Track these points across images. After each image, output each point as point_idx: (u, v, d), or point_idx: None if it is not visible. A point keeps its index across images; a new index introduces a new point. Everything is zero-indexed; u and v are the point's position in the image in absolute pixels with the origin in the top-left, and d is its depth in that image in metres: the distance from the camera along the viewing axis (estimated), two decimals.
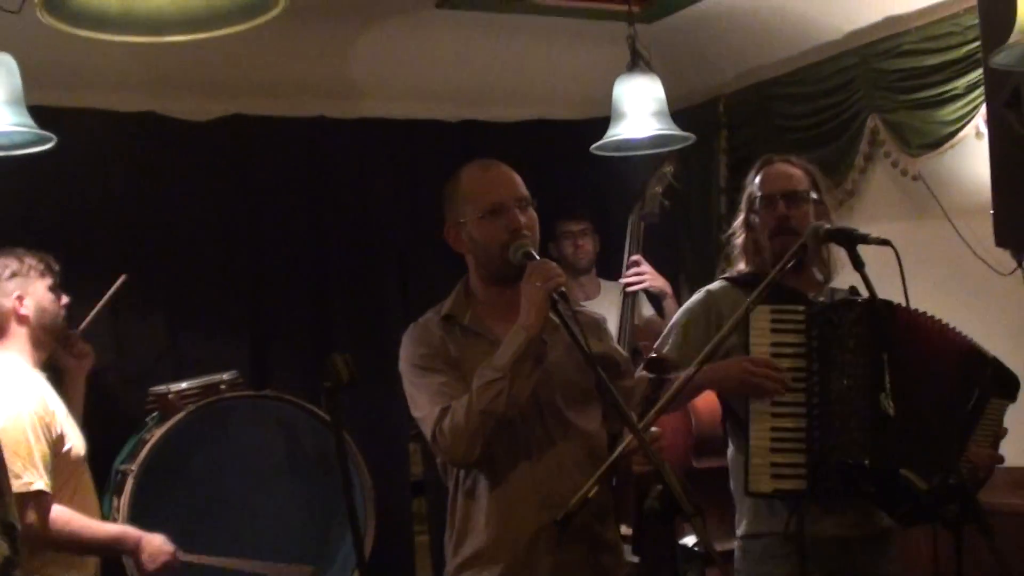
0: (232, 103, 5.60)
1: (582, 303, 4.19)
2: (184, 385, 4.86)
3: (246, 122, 5.63)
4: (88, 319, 4.75)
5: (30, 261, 4.03)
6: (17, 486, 3.63)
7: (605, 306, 5.43)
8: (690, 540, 4.30)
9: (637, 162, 5.36)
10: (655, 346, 3.97)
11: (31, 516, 3.64)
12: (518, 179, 3.35)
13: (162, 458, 4.58)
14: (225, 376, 4.91)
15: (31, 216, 4.98)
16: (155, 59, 5.05)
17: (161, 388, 4.89)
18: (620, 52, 4.97)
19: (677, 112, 5.00)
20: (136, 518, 4.37)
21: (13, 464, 3.59)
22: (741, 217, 3.94)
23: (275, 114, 5.69)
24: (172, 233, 5.45)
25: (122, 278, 4.84)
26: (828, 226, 3.68)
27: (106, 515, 4.44)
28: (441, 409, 3.17)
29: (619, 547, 3.38)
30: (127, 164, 5.39)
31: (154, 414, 4.89)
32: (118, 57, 4.95)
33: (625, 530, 3.70)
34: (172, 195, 5.47)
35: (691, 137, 4.97)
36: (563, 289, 3.10)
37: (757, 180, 3.90)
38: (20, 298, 3.95)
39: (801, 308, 3.61)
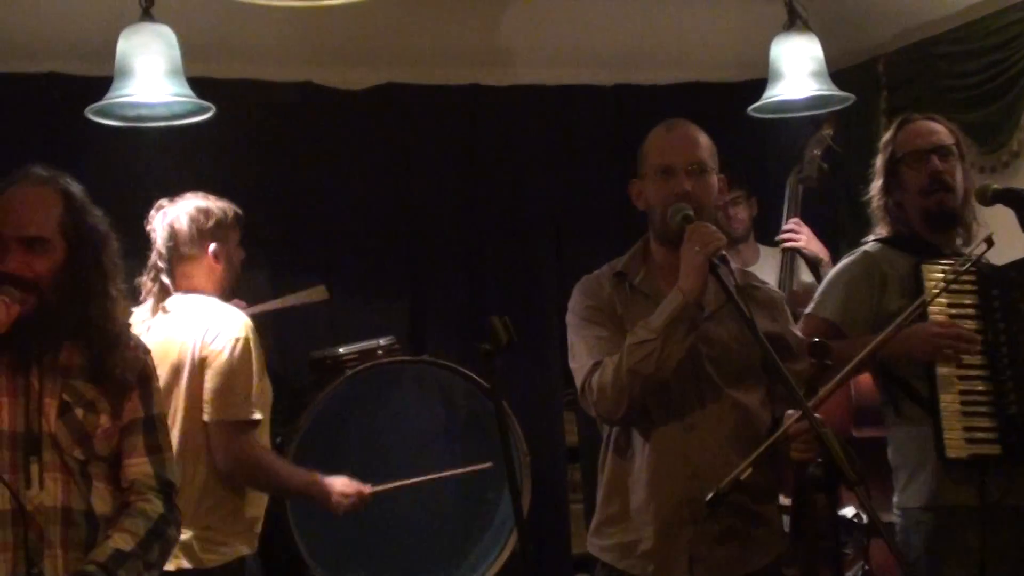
0: (387, 72, 5.63)
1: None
2: (342, 350, 4.92)
3: (401, 91, 5.66)
4: (262, 308, 4.83)
5: (223, 207, 4.04)
6: (242, 413, 3.74)
7: (765, 272, 5.31)
8: (849, 511, 4.20)
9: (795, 124, 5.27)
10: (812, 307, 3.87)
11: (248, 443, 3.74)
12: (701, 143, 3.35)
13: (322, 422, 4.64)
14: (382, 341, 4.95)
15: (189, 185, 5.05)
16: (311, 29, 5.11)
17: (320, 353, 4.96)
18: (776, 12, 4.91)
19: (835, 73, 4.90)
20: None
21: (238, 392, 3.73)
22: (879, 181, 3.82)
23: (429, 82, 5.71)
24: (329, 201, 5.51)
25: (322, 297, 4.97)
26: (996, 186, 3.58)
27: None
28: (594, 363, 3.19)
29: (774, 521, 3.33)
30: (284, 133, 5.47)
31: (313, 379, 4.95)
32: (275, 28, 5.03)
33: (784, 500, 3.64)
34: (329, 164, 5.53)
35: (851, 97, 4.88)
36: (723, 253, 3.06)
37: (899, 138, 3.80)
38: (216, 253, 3.95)
39: (971, 267, 3.51)
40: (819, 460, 2.98)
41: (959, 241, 3.74)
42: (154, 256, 3.94)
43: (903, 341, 3.51)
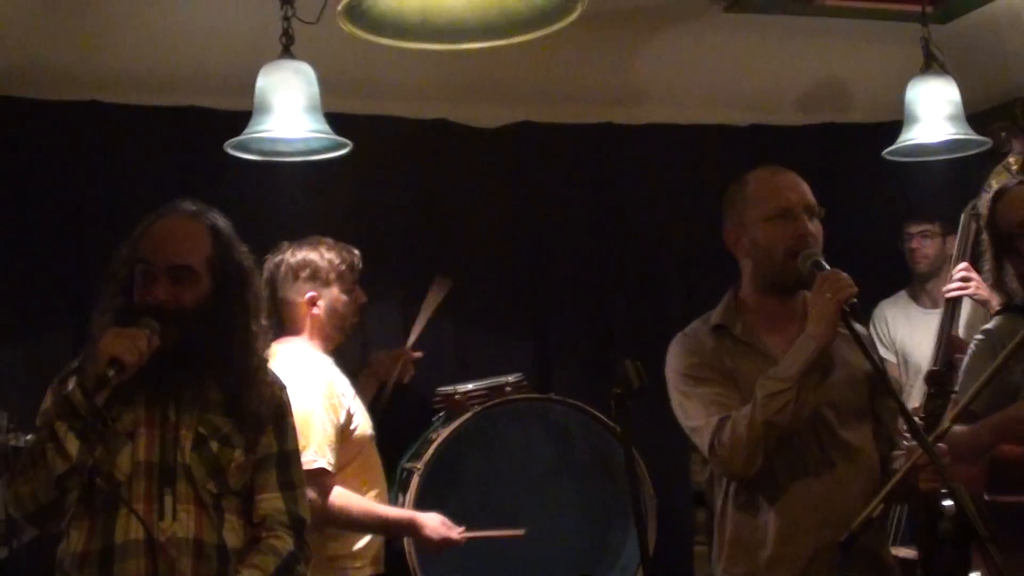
0: (521, 110, 5.66)
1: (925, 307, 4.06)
2: (471, 386, 4.93)
3: (534, 129, 5.68)
4: (415, 335, 5.00)
5: (331, 257, 4.17)
6: (317, 461, 3.78)
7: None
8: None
9: (934, 168, 5.15)
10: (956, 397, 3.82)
11: (311, 493, 3.74)
12: (807, 187, 3.30)
13: (447, 457, 4.66)
14: (511, 378, 4.96)
15: (326, 220, 5.13)
16: (447, 67, 5.15)
17: (448, 388, 4.99)
18: (912, 53, 4.85)
19: (970, 116, 4.82)
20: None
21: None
22: (991, 256, 3.79)
23: (562, 121, 5.72)
24: (460, 238, 5.54)
25: (448, 287, 5.05)
26: None
27: None
28: (720, 419, 3.14)
29: (896, 568, 3.27)
30: (419, 170, 5.51)
31: (441, 414, 4.98)
32: (411, 65, 5.07)
33: (906, 552, 3.57)
34: (462, 201, 5.56)
35: (988, 142, 4.80)
36: (855, 301, 3.02)
37: (1001, 211, 3.76)
38: (313, 300, 4.11)
39: None
40: (949, 514, 2.93)
41: None
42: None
43: (1013, 422, 3.46)
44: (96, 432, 2.80)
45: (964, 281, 4.99)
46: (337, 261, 4.20)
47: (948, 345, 4.77)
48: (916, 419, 3.05)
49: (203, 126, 4.99)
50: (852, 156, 5.84)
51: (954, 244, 5.32)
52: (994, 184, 4.98)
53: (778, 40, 5.64)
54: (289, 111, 4.11)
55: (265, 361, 3.15)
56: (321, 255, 4.19)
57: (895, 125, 4.87)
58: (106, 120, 5.02)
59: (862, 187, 5.76)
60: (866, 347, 3.00)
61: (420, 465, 4.57)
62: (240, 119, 4.23)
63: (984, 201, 4.91)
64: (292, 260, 4.17)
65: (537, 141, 5.69)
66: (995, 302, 4.90)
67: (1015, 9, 5.37)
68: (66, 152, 5.00)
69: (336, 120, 4.28)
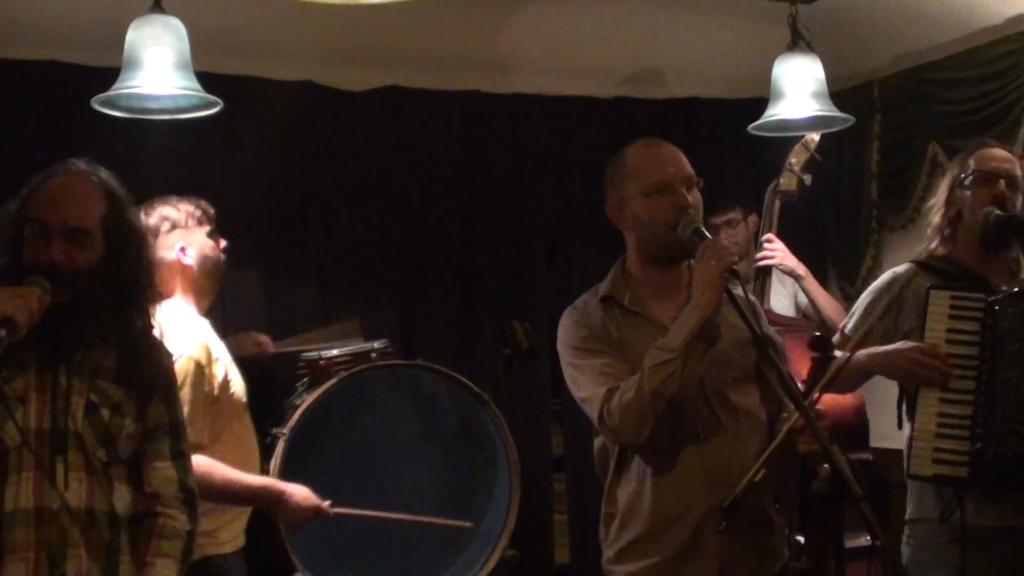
0: (389, 74, 5.62)
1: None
2: (335, 352, 4.90)
3: (402, 94, 5.65)
4: (290, 348, 4.97)
5: (187, 208, 4.12)
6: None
7: (778, 284, 5.37)
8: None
9: (794, 143, 5.27)
10: (841, 324, 4.02)
11: None
12: (684, 158, 3.34)
13: (312, 423, 4.62)
14: (376, 344, 4.94)
15: (194, 180, 5.04)
16: (315, 28, 5.11)
17: (312, 354, 4.93)
18: (777, 31, 4.93)
19: (831, 95, 4.93)
20: (284, 480, 4.43)
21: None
22: (943, 195, 3.90)
23: (430, 87, 5.70)
24: (326, 201, 5.51)
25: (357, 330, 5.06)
26: (999, 212, 3.65)
27: None
28: (608, 390, 3.16)
29: (782, 528, 3.36)
30: (287, 132, 5.45)
31: (304, 379, 4.94)
32: (280, 26, 5.03)
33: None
34: (328, 164, 5.52)
35: (850, 119, 4.92)
36: (736, 268, 3.07)
37: (972, 160, 3.86)
38: (183, 249, 4.04)
39: (981, 296, 3.59)
40: (827, 469, 3.00)
41: (1013, 268, 3.84)
42: None
43: (888, 359, 3.64)
44: None
45: (768, 251, 5.18)
46: (192, 207, 4.13)
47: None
48: (798, 383, 3.11)
49: (69, 81, 4.87)
50: (715, 131, 5.93)
51: (753, 224, 5.51)
52: (794, 162, 5.17)
53: (647, 13, 5.69)
54: (159, 67, 4.01)
55: (152, 327, 3.10)
56: (175, 207, 4.11)
57: (760, 101, 4.94)
58: None
59: (725, 162, 5.84)
60: (745, 314, 3.04)
61: (285, 431, 4.53)
62: (109, 75, 4.12)
63: (787, 177, 5.14)
64: (150, 221, 4.05)
65: (405, 106, 5.66)
66: (802, 271, 5.10)
67: None
68: None
69: (205, 79, 4.20)
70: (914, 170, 5.69)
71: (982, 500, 3.57)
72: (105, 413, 2.92)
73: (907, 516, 3.83)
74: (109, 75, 4.13)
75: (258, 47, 5.22)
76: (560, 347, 3.37)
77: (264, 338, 4.99)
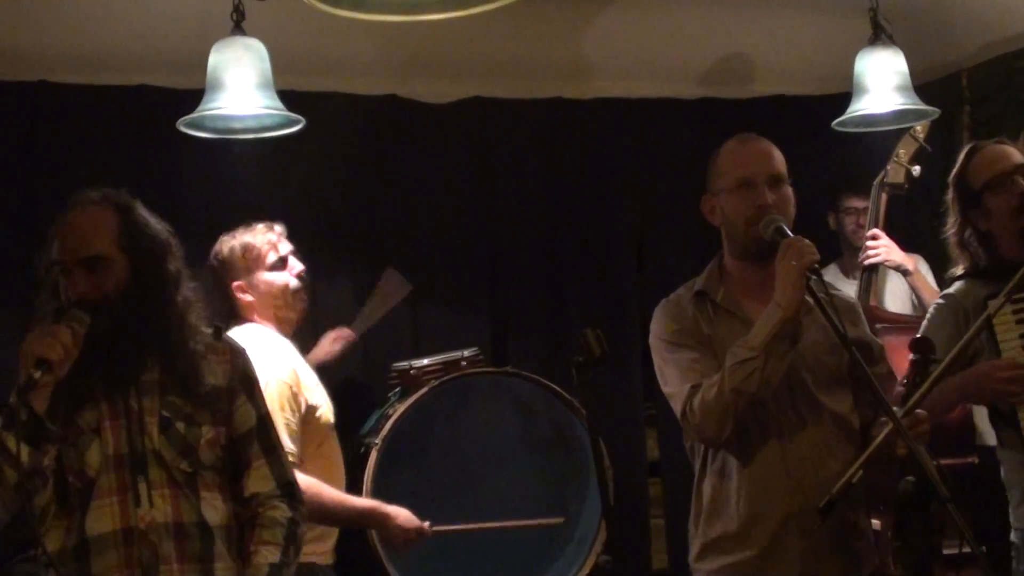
0: (471, 86, 5.67)
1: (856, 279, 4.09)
2: (426, 361, 4.93)
3: (485, 104, 5.69)
4: (364, 326, 5.00)
5: (245, 242, 4.09)
6: None
7: (893, 280, 5.32)
8: None
9: (882, 138, 5.20)
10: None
11: None
12: (776, 156, 3.32)
13: (404, 432, 4.66)
14: (466, 352, 4.96)
15: (279, 197, 5.13)
16: (397, 43, 5.16)
17: (404, 364, 4.97)
18: (860, 25, 4.87)
19: (918, 87, 4.86)
20: (379, 490, 4.47)
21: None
22: (955, 215, 3.81)
23: (513, 96, 5.73)
24: (413, 213, 5.56)
25: (408, 289, 5.10)
26: None
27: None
28: (692, 386, 3.16)
29: (870, 534, 3.31)
30: (370, 146, 5.52)
31: (397, 389, 4.98)
32: (361, 41, 5.07)
33: (873, 523, 3.60)
34: (413, 176, 5.57)
35: (936, 112, 4.85)
36: (817, 267, 3.04)
37: (973, 167, 3.76)
38: (241, 287, 4.04)
39: None
40: (910, 478, 2.97)
41: None
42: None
43: (976, 382, 3.52)
44: (43, 435, 2.78)
45: (874, 248, 5.08)
46: (264, 239, 4.11)
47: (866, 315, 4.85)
48: (899, 385, 3.08)
49: (155, 105, 4.98)
50: (801, 128, 5.88)
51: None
52: (902, 153, 5.07)
53: (726, 12, 5.65)
54: (241, 88, 4.09)
55: (206, 331, 3.11)
56: (244, 244, 4.09)
57: (844, 96, 4.89)
58: (56, 101, 5.00)
59: (811, 159, 5.78)
60: (829, 314, 3.00)
61: (378, 440, 4.58)
62: (193, 97, 4.20)
63: (894, 169, 5.02)
64: (224, 248, 4.08)
65: (488, 116, 5.71)
66: (911, 266, 4.99)
67: None
68: (17, 134, 4.98)
69: (288, 97, 4.27)
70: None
71: None
72: (180, 426, 2.95)
73: (1019, 523, 3.68)
74: (196, 97, 4.20)
75: (339, 63, 5.28)
76: (652, 339, 3.39)
77: (340, 331, 5.05)
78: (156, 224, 3.09)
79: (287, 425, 3.78)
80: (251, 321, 4.07)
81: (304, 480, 3.78)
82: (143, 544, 2.86)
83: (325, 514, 3.93)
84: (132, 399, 2.95)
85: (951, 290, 3.81)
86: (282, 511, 3.06)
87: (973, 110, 5.82)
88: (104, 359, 2.90)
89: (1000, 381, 3.47)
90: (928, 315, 3.85)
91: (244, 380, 3.13)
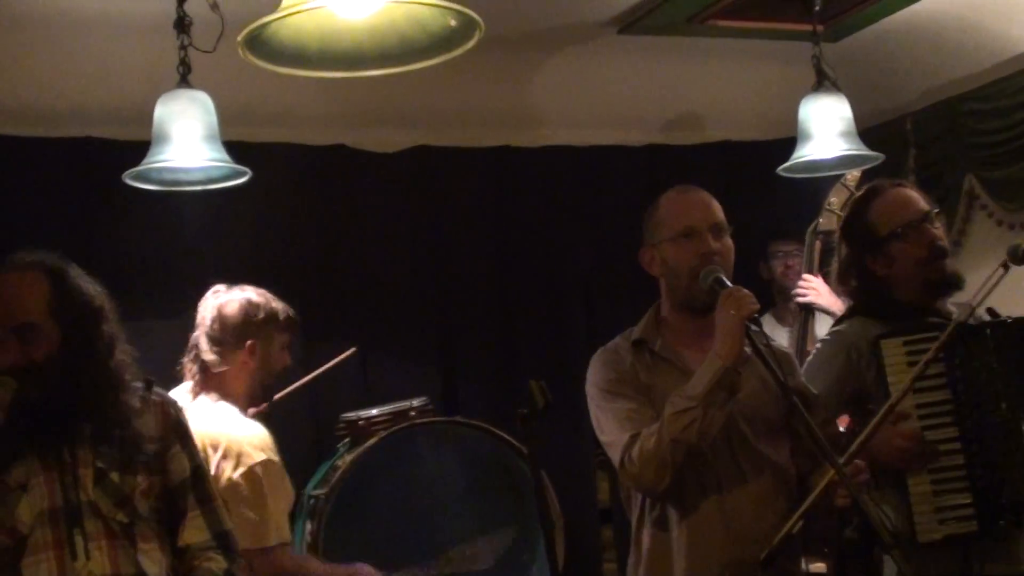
0: (419, 134, 5.68)
1: (790, 327, 4.08)
2: (375, 412, 4.92)
3: (433, 153, 5.70)
4: (296, 385, 4.87)
5: (278, 308, 4.06)
6: (268, 539, 3.73)
7: (829, 323, 5.32)
8: None
9: (826, 183, 5.25)
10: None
11: (278, 564, 3.75)
12: (715, 205, 3.33)
13: (353, 483, 4.64)
14: (415, 403, 4.95)
15: (227, 249, 5.11)
16: (344, 93, 5.15)
17: (352, 415, 4.96)
18: (804, 71, 4.92)
19: (863, 132, 4.92)
20: (329, 542, 4.46)
21: (262, 520, 3.72)
22: (849, 258, 3.73)
23: (461, 144, 5.75)
24: (361, 263, 5.55)
25: (351, 351, 4.96)
26: None
27: (298, 539, 4.54)
28: (631, 436, 3.15)
29: None
30: (317, 196, 5.51)
31: (345, 440, 4.96)
32: (309, 92, 5.08)
33: (817, 567, 3.60)
34: (361, 225, 5.57)
35: (880, 157, 4.89)
36: (757, 317, 3.06)
37: (876, 212, 3.66)
38: (253, 346, 3.98)
39: (935, 335, 3.32)
40: (857, 519, 2.97)
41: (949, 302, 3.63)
42: (197, 337, 3.98)
43: (875, 445, 3.35)
44: None
45: (805, 284, 5.15)
46: (284, 312, 4.07)
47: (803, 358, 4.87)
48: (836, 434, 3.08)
49: (101, 157, 4.95)
50: (746, 174, 5.92)
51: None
52: (834, 201, 5.11)
53: (672, 60, 5.71)
54: (188, 140, 4.07)
55: (139, 388, 3.07)
56: (271, 304, 4.04)
57: (791, 141, 4.94)
58: (2, 152, 4.96)
59: (756, 205, 5.82)
60: (769, 363, 3.02)
61: (327, 492, 4.56)
62: (139, 149, 4.18)
63: (827, 218, 5.05)
64: (243, 302, 3.99)
65: (436, 165, 5.72)
66: (836, 309, 5.00)
67: (902, 27, 5.49)
68: None
69: (235, 148, 4.25)
70: (951, 203, 5.64)
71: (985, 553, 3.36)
72: (115, 476, 2.92)
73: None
74: (142, 149, 4.18)
75: (286, 114, 5.29)
76: (588, 388, 3.37)
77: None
78: (90, 287, 3.04)
79: (274, 501, 3.77)
80: (224, 391, 3.98)
81: (297, 557, 3.86)
82: None
83: None
84: (65, 453, 2.91)
85: (840, 327, 3.72)
86: (217, 563, 3.03)
87: (918, 153, 5.90)
88: (33, 421, 2.87)
89: (899, 449, 3.36)
90: (816, 350, 3.76)
91: (177, 430, 3.11)
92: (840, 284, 3.84)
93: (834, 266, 4.19)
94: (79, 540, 2.86)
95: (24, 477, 2.88)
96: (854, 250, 3.71)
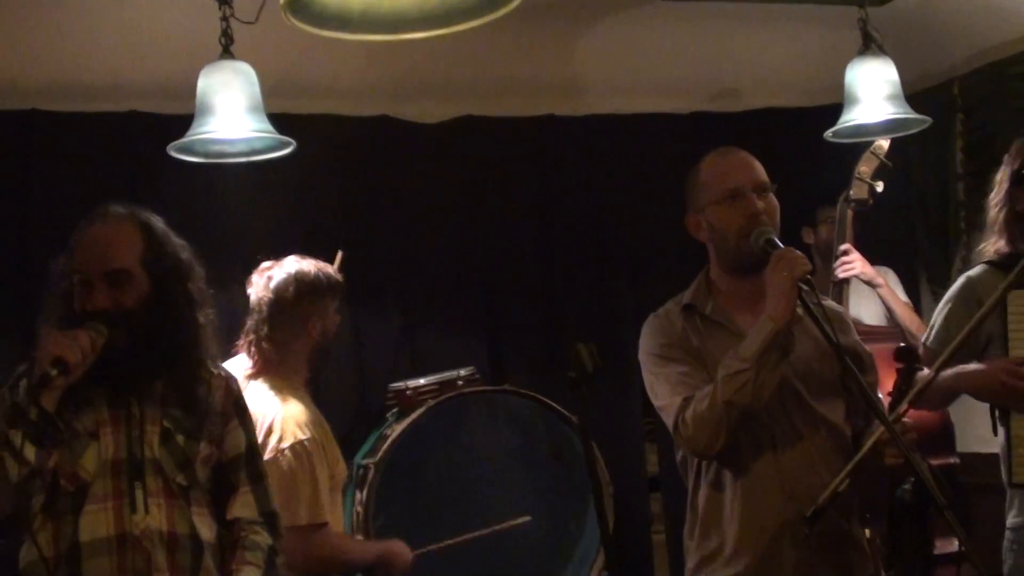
0: (463, 105, 5.66)
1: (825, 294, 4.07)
2: (422, 381, 4.94)
3: (476, 123, 5.69)
4: None
5: (326, 273, 4.12)
6: (308, 518, 3.78)
7: (864, 293, 5.31)
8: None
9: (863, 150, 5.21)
10: (923, 337, 3.92)
11: (318, 544, 3.80)
12: (757, 165, 3.31)
13: (402, 453, 4.66)
14: (463, 372, 4.97)
15: (270, 220, 5.13)
16: (388, 64, 5.16)
17: (400, 384, 4.99)
18: (850, 36, 4.89)
19: (910, 96, 4.88)
20: (378, 512, 4.48)
21: (302, 499, 3.76)
22: (1001, 193, 3.80)
23: (505, 114, 5.73)
24: (406, 233, 5.55)
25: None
26: None
27: (348, 509, 4.55)
28: (683, 399, 3.15)
29: (864, 544, 3.30)
30: (361, 167, 5.51)
31: (394, 410, 4.98)
32: (351, 63, 5.07)
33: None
34: (405, 196, 5.56)
35: (928, 120, 4.85)
36: (809, 278, 3.03)
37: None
38: (313, 324, 4.05)
39: None
40: (911, 480, 2.96)
41: None
42: (255, 324, 4.03)
43: (976, 381, 3.51)
44: (50, 435, 2.80)
45: (847, 263, 5.13)
46: (330, 277, 4.13)
47: None
48: (883, 395, 3.07)
49: (145, 130, 4.97)
50: (793, 140, 5.88)
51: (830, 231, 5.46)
52: (864, 170, 5.08)
53: (716, 27, 5.66)
54: (231, 112, 4.09)
55: (215, 355, 3.17)
56: (318, 271, 4.10)
57: (835, 107, 4.90)
58: (47, 128, 4.99)
59: (801, 172, 5.78)
60: (822, 324, 3.00)
61: (376, 462, 4.57)
62: (182, 122, 4.20)
63: (857, 186, 5.05)
64: (296, 277, 4.05)
65: (480, 135, 5.70)
66: (880, 281, 5.01)
67: None
68: (8, 162, 4.96)
69: (278, 120, 4.26)
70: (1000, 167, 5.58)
71: None
72: (180, 439, 2.99)
73: (1009, 524, 3.69)
74: (186, 122, 4.20)
75: (329, 85, 5.28)
76: (641, 354, 3.37)
77: None
78: (178, 243, 3.13)
79: (312, 482, 3.81)
80: (279, 365, 4.03)
81: (333, 538, 3.88)
82: (137, 551, 2.88)
83: (354, 563, 4.05)
84: (134, 407, 2.97)
85: (972, 272, 3.83)
86: (263, 537, 3.09)
87: (966, 118, 5.82)
88: (114, 369, 2.92)
89: (1003, 384, 3.47)
90: (947, 294, 3.88)
91: (238, 405, 3.18)
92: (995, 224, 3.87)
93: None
94: (140, 494, 2.91)
95: (94, 425, 2.94)
96: (1009, 185, 3.82)
